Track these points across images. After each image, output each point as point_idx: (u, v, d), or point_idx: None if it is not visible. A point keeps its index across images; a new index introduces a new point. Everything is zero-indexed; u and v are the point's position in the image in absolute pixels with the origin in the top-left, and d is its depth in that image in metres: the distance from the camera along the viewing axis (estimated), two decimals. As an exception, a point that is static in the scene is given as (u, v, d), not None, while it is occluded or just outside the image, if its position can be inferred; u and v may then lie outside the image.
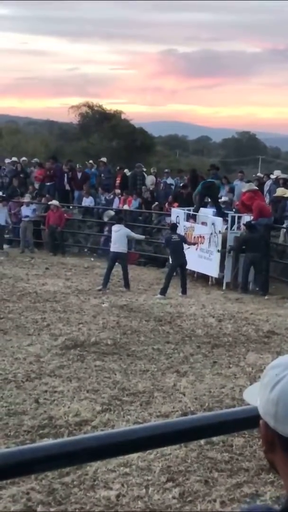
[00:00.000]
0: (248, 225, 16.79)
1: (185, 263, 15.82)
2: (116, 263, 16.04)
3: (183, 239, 16.27)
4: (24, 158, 26.76)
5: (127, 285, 15.88)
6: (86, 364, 9.46)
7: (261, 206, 17.33)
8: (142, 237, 18.60)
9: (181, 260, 15.72)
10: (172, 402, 7.94)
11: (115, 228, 16.49)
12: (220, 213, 18.13)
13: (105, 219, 22.15)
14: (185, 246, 16.04)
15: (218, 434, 4.30)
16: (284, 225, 17.30)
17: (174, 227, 16.70)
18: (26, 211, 21.69)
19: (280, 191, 17.17)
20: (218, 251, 17.15)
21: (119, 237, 16.12)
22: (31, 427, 7.06)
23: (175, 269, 15.81)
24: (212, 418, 2.46)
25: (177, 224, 17.50)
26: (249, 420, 1.64)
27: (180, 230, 17.87)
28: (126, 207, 22.31)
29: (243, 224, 17.17)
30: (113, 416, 7.42)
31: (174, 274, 15.75)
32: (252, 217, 17.17)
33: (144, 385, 8.57)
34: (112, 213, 22.23)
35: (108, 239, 21.65)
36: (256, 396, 1.59)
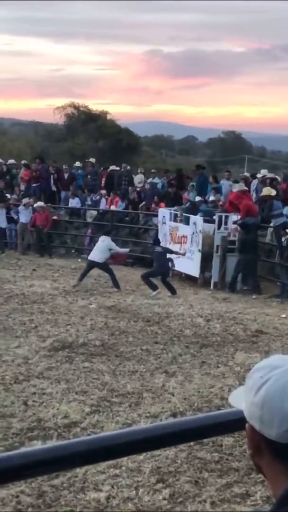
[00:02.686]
0: (242, 225, 16.78)
1: (166, 273, 15.83)
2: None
3: (168, 251, 16.26)
4: (12, 161, 26.61)
5: (117, 286, 15.86)
6: (75, 366, 9.43)
7: (249, 206, 17.34)
8: (126, 250, 18.45)
9: (162, 270, 15.72)
10: (161, 403, 7.92)
11: (101, 238, 16.53)
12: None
13: (89, 219, 22.11)
14: (172, 255, 16.08)
15: (209, 436, 4.28)
16: (271, 224, 17.32)
17: (156, 241, 16.55)
18: (24, 213, 21.56)
19: (267, 190, 17.19)
20: (199, 250, 17.18)
21: (101, 247, 16.18)
22: (20, 429, 7.03)
23: (155, 275, 15.79)
24: (202, 421, 2.45)
25: (159, 239, 17.18)
26: (241, 422, 1.63)
27: (166, 230, 17.95)
28: (113, 207, 22.30)
29: (237, 224, 17.13)
30: (102, 417, 7.40)
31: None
32: (239, 217, 17.19)
33: (133, 386, 8.55)
34: (94, 213, 22.20)
35: (92, 239, 21.68)
36: (241, 400, 1.58)
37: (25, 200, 21.86)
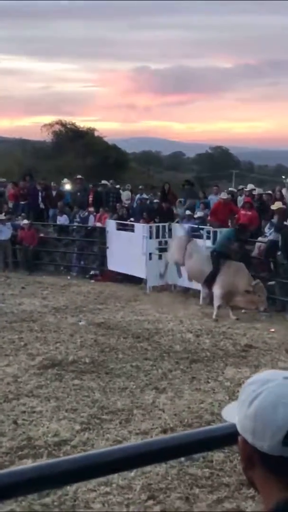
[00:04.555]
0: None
1: None
2: None
3: None
4: (2, 179, 26.61)
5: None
6: (65, 383, 9.41)
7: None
8: None
9: None
10: (151, 419, 7.92)
11: None
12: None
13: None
14: None
15: (200, 452, 4.29)
16: (259, 239, 17.38)
17: None
18: (3, 229, 21.54)
19: (278, 204, 17.39)
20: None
21: None
22: (10, 448, 7.00)
23: None
24: (193, 436, 2.45)
25: None
26: (231, 436, 1.65)
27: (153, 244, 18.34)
28: (100, 224, 22.29)
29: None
30: (93, 435, 7.38)
31: None
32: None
33: (123, 402, 8.54)
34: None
35: (78, 256, 21.83)
36: (234, 414, 1.60)
37: (0, 216, 21.90)
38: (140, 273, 18.79)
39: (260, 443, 1.50)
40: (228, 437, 2.04)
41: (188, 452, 2.73)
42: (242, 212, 18.15)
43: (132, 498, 5.77)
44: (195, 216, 19.84)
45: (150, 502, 5.71)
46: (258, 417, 1.51)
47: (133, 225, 20.15)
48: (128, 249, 18.97)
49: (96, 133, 49.90)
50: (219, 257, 15.51)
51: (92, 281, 19.78)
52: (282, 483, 1.50)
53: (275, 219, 16.98)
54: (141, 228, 19.45)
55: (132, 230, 19.76)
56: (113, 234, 20.20)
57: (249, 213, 17.93)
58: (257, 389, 1.55)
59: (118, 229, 20.31)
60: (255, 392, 1.54)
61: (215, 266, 15.50)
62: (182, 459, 6.36)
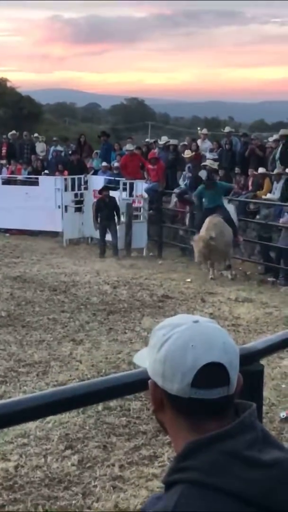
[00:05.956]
0: None
1: None
2: None
3: None
4: None
5: None
6: (-20, 338, 9.29)
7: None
8: None
9: None
10: (69, 371, 7.93)
11: None
12: None
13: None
14: None
15: (114, 398, 4.31)
16: (175, 191, 17.50)
17: None
18: None
19: (189, 153, 17.63)
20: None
21: None
22: None
23: None
24: (106, 382, 2.45)
25: None
26: (143, 382, 1.65)
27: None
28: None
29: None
30: (10, 387, 7.34)
31: None
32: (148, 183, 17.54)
33: (40, 355, 8.51)
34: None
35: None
36: (145, 358, 1.61)
37: None
38: (51, 227, 18.70)
39: (170, 386, 1.52)
40: (140, 383, 2.04)
41: (102, 398, 2.73)
42: (150, 167, 18.20)
43: (50, 448, 5.78)
44: (114, 166, 19.83)
45: (68, 451, 5.73)
46: (168, 360, 1.52)
47: (36, 178, 20.02)
48: (27, 203, 18.68)
49: (8, 84, 48.78)
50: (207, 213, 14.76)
51: (7, 234, 19.52)
52: (191, 425, 1.53)
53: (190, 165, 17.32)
54: (52, 180, 19.26)
55: (36, 184, 19.59)
56: None
57: (155, 167, 18.02)
58: (167, 333, 1.55)
59: (6, 183, 20.24)
60: (165, 336, 1.55)
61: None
62: (100, 407, 6.42)
